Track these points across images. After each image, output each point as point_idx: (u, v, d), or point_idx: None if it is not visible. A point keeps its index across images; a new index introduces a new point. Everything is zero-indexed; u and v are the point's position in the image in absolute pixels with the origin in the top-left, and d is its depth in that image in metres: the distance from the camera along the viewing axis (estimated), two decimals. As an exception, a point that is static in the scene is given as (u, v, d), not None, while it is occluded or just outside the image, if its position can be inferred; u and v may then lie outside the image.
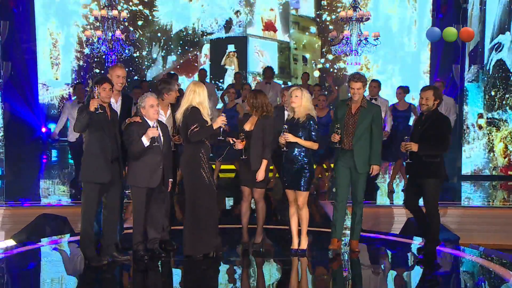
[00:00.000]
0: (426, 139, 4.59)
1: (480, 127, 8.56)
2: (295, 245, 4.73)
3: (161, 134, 4.45)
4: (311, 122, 4.57)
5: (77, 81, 10.31)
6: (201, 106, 4.46)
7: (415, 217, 4.96)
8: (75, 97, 7.72)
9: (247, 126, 4.71)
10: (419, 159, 4.59)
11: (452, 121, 6.79)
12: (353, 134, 4.64)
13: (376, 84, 7.02)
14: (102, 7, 9.68)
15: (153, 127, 4.35)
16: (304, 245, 4.70)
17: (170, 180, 4.61)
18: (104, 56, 9.49)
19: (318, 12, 12.42)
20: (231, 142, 4.64)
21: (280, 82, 11.32)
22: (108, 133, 4.34)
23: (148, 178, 4.39)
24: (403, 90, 7.27)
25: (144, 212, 4.45)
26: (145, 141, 4.32)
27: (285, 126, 4.57)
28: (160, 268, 4.53)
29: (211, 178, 4.53)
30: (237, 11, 12.31)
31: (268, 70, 8.98)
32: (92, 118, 4.24)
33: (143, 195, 4.42)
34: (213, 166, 6.43)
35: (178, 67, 12.38)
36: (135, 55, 11.42)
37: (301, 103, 4.55)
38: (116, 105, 4.68)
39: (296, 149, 4.58)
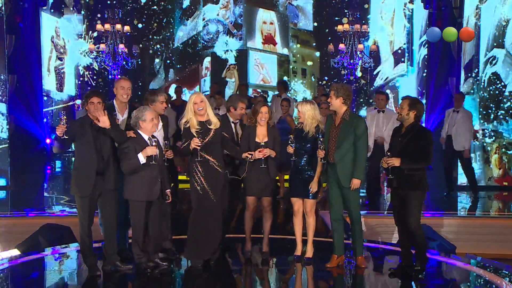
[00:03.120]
0: (407, 152, 4.30)
1: (476, 139, 8.64)
2: (298, 252, 4.74)
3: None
4: (319, 135, 4.54)
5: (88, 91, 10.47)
6: None
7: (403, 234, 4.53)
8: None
9: (259, 138, 4.77)
10: (401, 172, 4.32)
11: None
12: (335, 147, 4.48)
13: (383, 97, 7.11)
14: (106, 21, 9.88)
15: (152, 145, 4.30)
16: (310, 253, 4.69)
17: (168, 190, 4.62)
18: (108, 69, 9.68)
19: (316, 25, 12.62)
20: (248, 156, 4.66)
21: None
22: (94, 146, 4.30)
23: (148, 191, 4.37)
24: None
25: (144, 224, 4.43)
26: (142, 158, 4.26)
27: (290, 136, 4.61)
28: (161, 277, 4.52)
29: (206, 188, 4.53)
30: (238, 25, 12.50)
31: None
32: (70, 136, 4.24)
33: (142, 209, 4.40)
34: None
35: (179, 79, 12.57)
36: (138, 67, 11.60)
37: (304, 117, 4.57)
38: (122, 117, 4.68)
39: (304, 158, 4.61)
